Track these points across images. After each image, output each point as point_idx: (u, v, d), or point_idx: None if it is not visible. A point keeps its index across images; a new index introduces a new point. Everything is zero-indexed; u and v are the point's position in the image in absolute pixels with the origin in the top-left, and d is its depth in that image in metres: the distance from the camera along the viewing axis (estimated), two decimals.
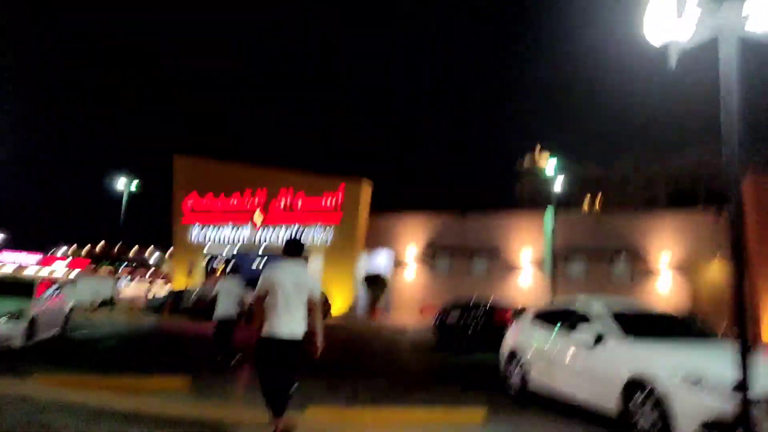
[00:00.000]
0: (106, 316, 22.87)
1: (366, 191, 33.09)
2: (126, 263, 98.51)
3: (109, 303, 25.28)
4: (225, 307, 10.68)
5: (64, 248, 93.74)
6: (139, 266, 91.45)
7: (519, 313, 13.40)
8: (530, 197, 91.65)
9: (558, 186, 21.07)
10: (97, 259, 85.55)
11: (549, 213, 20.12)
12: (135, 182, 27.78)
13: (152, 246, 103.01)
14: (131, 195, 28.57)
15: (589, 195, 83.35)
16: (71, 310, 14.41)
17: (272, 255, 35.79)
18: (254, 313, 5.57)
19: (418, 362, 13.63)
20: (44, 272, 51.12)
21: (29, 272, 52.01)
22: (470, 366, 12.86)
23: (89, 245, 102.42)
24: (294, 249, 5.82)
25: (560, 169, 21.17)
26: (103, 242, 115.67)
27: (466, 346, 15.13)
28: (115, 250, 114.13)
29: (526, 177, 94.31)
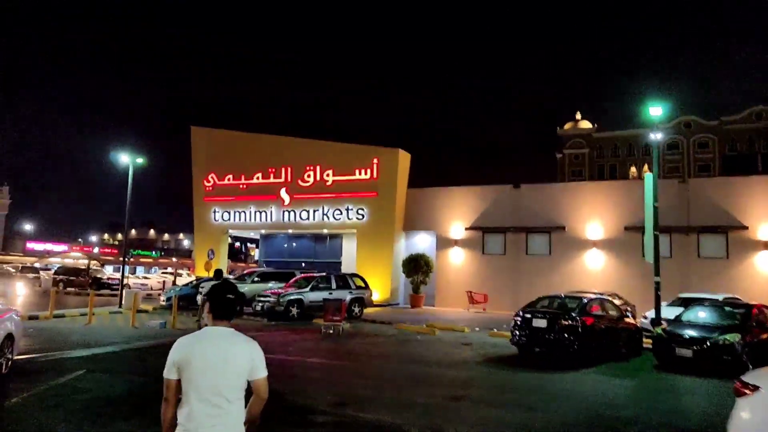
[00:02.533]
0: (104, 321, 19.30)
1: (404, 163, 29.12)
2: (160, 251, 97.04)
3: None
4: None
5: (95, 237, 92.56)
6: (173, 254, 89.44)
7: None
8: (575, 166, 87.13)
9: (657, 139, 16.37)
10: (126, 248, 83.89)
11: (650, 178, 15.60)
12: (138, 159, 23.98)
13: (181, 233, 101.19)
14: (139, 174, 24.72)
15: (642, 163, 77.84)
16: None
17: (300, 236, 32.31)
18: (162, 410, 2.88)
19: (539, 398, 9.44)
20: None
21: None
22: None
23: (119, 233, 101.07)
24: (224, 308, 3.03)
25: (660, 123, 16.37)
26: (133, 230, 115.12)
27: (569, 360, 11.21)
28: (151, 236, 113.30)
29: (568, 144, 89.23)
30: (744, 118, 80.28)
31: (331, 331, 15.89)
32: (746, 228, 23.30)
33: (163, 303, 23.49)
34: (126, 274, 27.60)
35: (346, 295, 20.34)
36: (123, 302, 22.08)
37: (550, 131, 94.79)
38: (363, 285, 21.95)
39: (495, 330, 17.19)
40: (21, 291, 33.36)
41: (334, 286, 20.63)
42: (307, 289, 19.92)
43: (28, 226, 71.50)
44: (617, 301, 18.00)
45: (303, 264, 30.87)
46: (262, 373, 2.88)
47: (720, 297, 17.45)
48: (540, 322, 11.55)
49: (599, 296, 13.15)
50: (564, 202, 26.77)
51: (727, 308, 12.58)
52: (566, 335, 11.20)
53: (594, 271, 25.68)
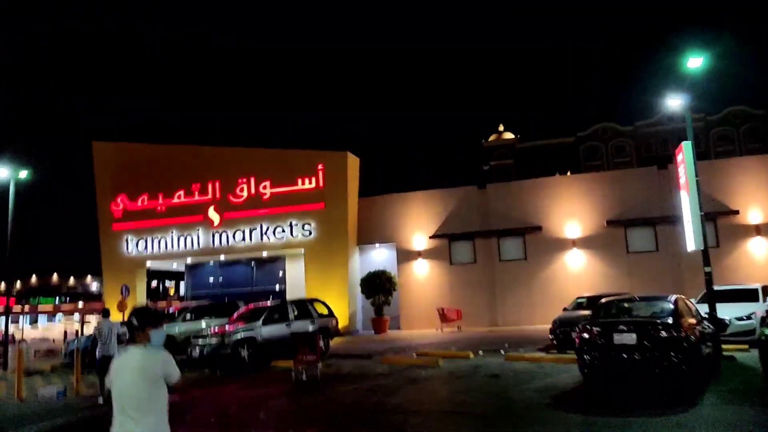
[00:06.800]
0: None
1: (353, 168, 25.38)
2: (63, 296, 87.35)
3: None
4: (106, 348, 10.54)
5: None
6: (81, 299, 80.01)
7: None
8: (502, 177, 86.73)
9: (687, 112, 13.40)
10: (25, 296, 73.66)
11: (689, 147, 12.79)
12: (22, 172, 18.66)
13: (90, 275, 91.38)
14: (37, 209, 19.22)
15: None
16: None
17: (234, 262, 27.65)
18: None
19: None
20: None
21: None
22: None
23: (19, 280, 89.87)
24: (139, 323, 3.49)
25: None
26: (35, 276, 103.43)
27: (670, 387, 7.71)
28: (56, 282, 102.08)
29: (494, 154, 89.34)
30: (656, 121, 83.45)
31: (305, 378, 11.72)
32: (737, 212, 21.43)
33: (65, 360, 18.06)
34: (22, 325, 21.73)
35: (308, 326, 16.16)
36: (9, 364, 16.64)
37: (476, 143, 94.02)
38: (327, 312, 17.82)
39: (506, 351, 13.72)
40: None
41: (292, 316, 16.35)
42: (259, 323, 15.52)
43: None
44: None
45: (239, 296, 26.07)
46: (175, 378, 3.34)
47: (758, 287, 15.01)
48: (625, 338, 8.08)
49: (676, 296, 9.91)
50: (536, 200, 23.99)
51: None
52: (671, 353, 7.81)
53: (576, 272, 22.97)
